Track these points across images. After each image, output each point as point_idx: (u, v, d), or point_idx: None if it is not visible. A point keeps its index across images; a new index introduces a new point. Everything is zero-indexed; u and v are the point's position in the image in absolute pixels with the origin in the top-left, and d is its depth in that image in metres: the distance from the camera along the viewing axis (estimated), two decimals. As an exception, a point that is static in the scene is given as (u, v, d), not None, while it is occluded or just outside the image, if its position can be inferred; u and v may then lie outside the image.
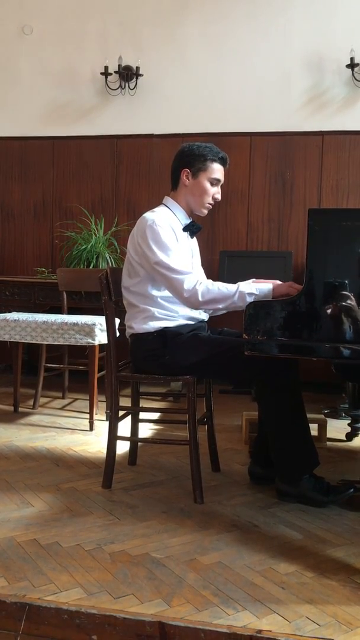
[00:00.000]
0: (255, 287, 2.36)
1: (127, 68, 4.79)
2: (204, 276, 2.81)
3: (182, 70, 4.80)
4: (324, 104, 4.62)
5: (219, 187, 2.63)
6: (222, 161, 2.61)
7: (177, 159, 2.63)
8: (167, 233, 2.50)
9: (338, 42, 4.51)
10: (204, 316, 2.69)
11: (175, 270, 2.43)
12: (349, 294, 2.04)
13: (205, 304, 2.43)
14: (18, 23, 5.04)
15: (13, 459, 2.98)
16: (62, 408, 4.03)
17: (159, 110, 4.84)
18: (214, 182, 2.60)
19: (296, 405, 2.42)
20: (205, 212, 2.66)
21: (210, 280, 2.45)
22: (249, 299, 2.33)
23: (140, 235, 2.52)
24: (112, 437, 2.60)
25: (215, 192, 2.61)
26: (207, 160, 2.57)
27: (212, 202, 2.63)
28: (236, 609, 1.70)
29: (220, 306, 2.42)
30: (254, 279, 2.44)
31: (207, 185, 2.59)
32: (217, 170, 2.60)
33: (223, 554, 2.03)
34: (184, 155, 2.61)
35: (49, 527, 2.21)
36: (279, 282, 2.42)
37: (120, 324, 3.03)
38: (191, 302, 2.44)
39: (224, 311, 2.51)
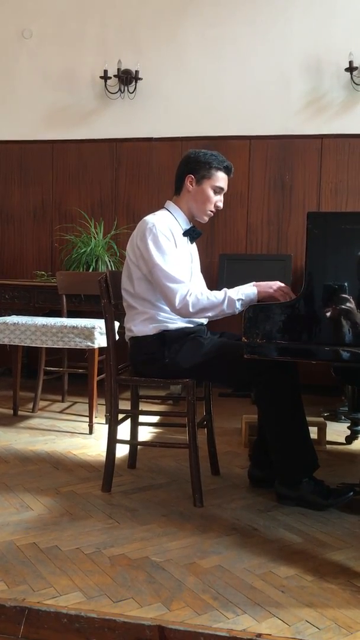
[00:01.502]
0: (242, 293, 2.40)
1: (127, 72, 4.80)
2: (203, 282, 2.82)
3: (182, 73, 4.81)
4: (323, 107, 4.63)
5: (222, 195, 2.64)
6: (227, 170, 2.62)
7: (182, 164, 2.65)
8: (166, 237, 2.51)
9: (337, 45, 4.52)
10: (203, 319, 2.69)
11: (170, 277, 2.44)
12: (348, 297, 2.04)
13: (196, 314, 2.46)
14: (18, 27, 5.05)
15: (12, 462, 2.97)
16: (61, 411, 4.03)
17: (158, 114, 4.85)
18: (217, 190, 2.61)
19: (295, 408, 2.42)
20: (206, 219, 2.67)
21: (199, 290, 2.46)
22: (238, 305, 2.39)
23: (140, 237, 2.53)
24: (112, 441, 2.59)
25: (218, 200, 2.63)
26: (212, 168, 2.59)
27: (213, 209, 2.64)
28: (236, 613, 1.69)
29: (210, 314, 2.46)
30: (254, 283, 2.46)
31: (210, 192, 2.60)
32: (221, 178, 2.61)
33: (223, 558, 2.03)
34: (189, 162, 2.62)
35: (48, 531, 2.20)
36: (254, 283, 2.45)
37: (119, 327, 3.04)
38: (182, 313, 2.47)
39: (215, 319, 2.53)
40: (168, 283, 2.44)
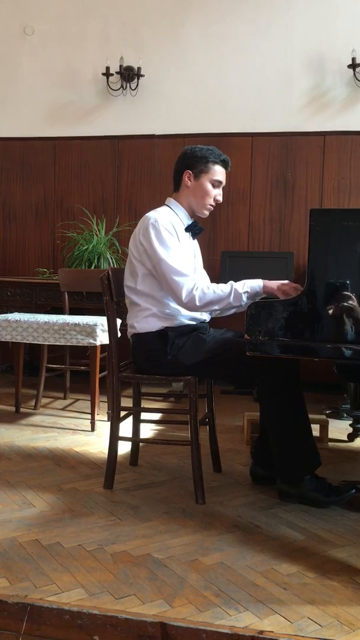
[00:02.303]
0: (248, 285, 2.43)
1: (129, 68, 4.79)
2: (207, 278, 2.83)
3: (184, 70, 4.81)
4: (326, 104, 4.62)
5: (221, 189, 2.65)
6: (224, 163, 2.63)
7: (179, 160, 2.66)
8: (169, 232, 2.52)
9: (339, 42, 4.51)
10: (206, 316, 2.69)
11: (176, 271, 2.44)
12: (351, 295, 2.04)
13: (202, 308, 2.47)
14: (20, 24, 5.05)
15: (15, 459, 2.98)
16: (63, 408, 4.04)
17: (160, 111, 4.84)
18: (215, 183, 2.61)
19: (297, 405, 2.42)
20: (207, 213, 2.67)
21: (205, 283, 2.48)
22: (244, 298, 2.41)
23: (143, 233, 2.53)
24: (114, 438, 2.60)
25: (217, 193, 2.63)
26: (208, 162, 2.59)
27: (213, 203, 2.65)
28: (238, 610, 1.70)
29: (217, 307, 2.48)
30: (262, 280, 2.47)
31: (209, 186, 2.60)
32: (218, 172, 2.61)
33: (225, 555, 2.03)
34: (186, 157, 2.63)
35: (50, 528, 2.21)
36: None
37: (121, 324, 3.04)
38: (189, 306, 2.47)
39: (222, 314, 2.54)
40: (174, 277, 2.45)
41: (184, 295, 2.43)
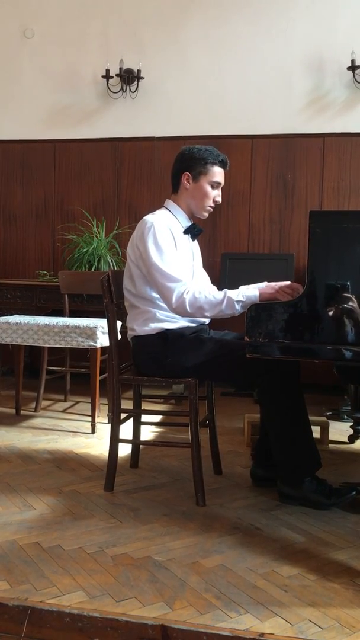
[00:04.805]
0: (242, 294, 2.38)
1: (129, 71, 4.79)
2: (207, 278, 2.83)
3: (184, 72, 4.81)
4: (325, 106, 4.62)
5: (220, 189, 2.64)
6: (223, 164, 2.62)
7: (177, 162, 2.64)
8: (165, 236, 2.51)
9: (339, 44, 4.52)
10: (205, 318, 2.69)
11: (167, 276, 2.43)
12: (351, 296, 2.04)
13: (193, 313, 2.44)
14: (20, 26, 5.05)
15: (15, 461, 2.98)
16: (64, 411, 4.04)
17: (161, 113, 4.85)
18: (214, 185, 2.61)
19: (298, 407, 2.42)
20: (206, 215, 2.67)
21: (197, 288, 2.44)
22: (237, 306, 2.37)
23: (139, 237, 2.53)
24: (114, 440, 2.59)
25: (216, 194, 2.63)
26: (207, 163, 2.58)
27: (212, 205, 2.64)
28: (239, 612, 1.69)
29: (208, 314, 2.44)
30: (266, 283, 2.45)
31: (208, 188, 2.60)
32: (217, 173, 2.60)
33: (225, 557, 2.03)
34: (184, 159, 2.61)
35: (51, 530, 2.20)
36: (266, 284, 2.44)
37: (122, 327, 3.04)
38: (179, 311, 2.46)
39: (215, 318, 2.53)
40: (165, 282, 2.44)
41: (173, 299, 2.41)
